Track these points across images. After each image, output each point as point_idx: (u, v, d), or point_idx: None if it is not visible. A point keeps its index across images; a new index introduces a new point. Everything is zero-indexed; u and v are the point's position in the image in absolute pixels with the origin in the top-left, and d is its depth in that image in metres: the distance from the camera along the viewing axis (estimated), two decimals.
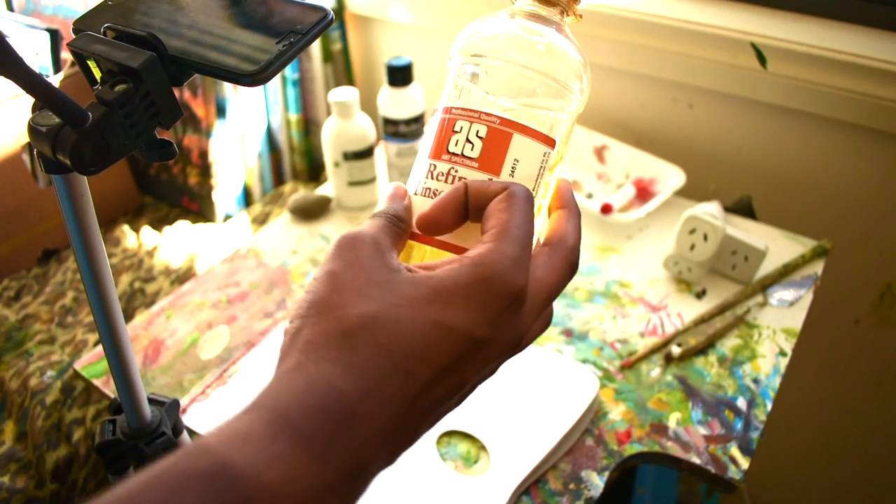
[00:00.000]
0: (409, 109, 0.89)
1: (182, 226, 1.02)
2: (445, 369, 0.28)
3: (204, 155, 1.00)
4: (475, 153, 0.34)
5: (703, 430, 0.65)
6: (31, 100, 0.33)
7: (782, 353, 0.73)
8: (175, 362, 0.74)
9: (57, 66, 0.85)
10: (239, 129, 1.02)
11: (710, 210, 0.81)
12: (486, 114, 0.34)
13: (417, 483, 0.59)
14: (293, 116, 1.08)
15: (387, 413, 0.26)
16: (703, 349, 0.73)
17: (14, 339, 0.84)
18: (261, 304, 0.81)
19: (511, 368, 0.69)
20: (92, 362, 0.74)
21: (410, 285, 0.29)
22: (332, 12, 0.35)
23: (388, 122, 0.90)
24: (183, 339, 0.77)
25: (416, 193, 0.36)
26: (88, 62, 0.36)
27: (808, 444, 1.15)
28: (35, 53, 0.84)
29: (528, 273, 0.30)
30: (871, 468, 1.11)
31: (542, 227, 0.35)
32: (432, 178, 0.35)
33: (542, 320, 0.33)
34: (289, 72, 1.04)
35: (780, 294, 0.80)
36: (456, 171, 0.34)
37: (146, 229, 1.01)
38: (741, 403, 0.68)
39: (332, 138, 0.91)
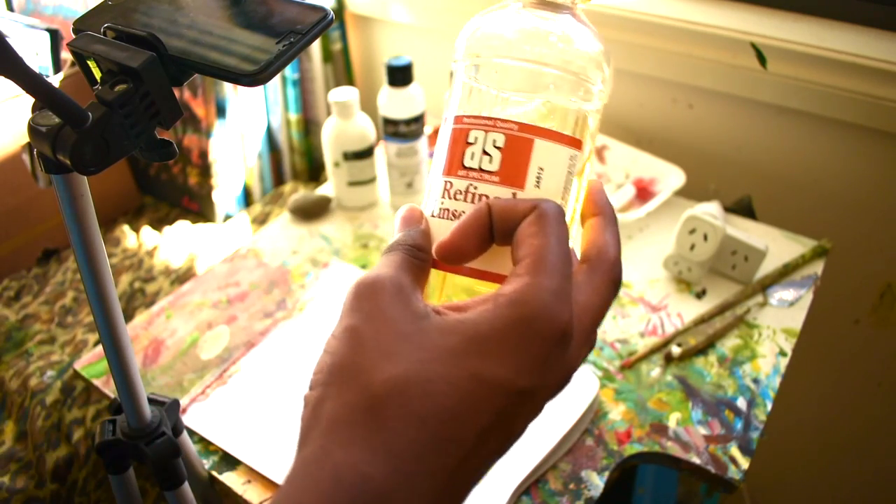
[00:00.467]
0: (409, 109, 0.89)
1: (182, 226, 1.02)
2: (489, 428, 0.25)
3: (204, 155, 1.00)
4: (494, 166, 0.31)
5: (703, 430, 0.65)
6: (31, 100, 0.33)
7: (782, 353, 0.73)
8: (175, 362, 0.74)
9: (57, 66, 0.85)
10: (239, 129, 1.02)
11: (710, 210, 0.81)
12: (502, 120, 0.31)
13: None
14: (293, 116, 1.08)
15: (424, 492, 0.24)
16: (703, 349, 0.73)
17: (14, 339, 0.84)
18: (261, 304, 0.81)
19: None
20: (92, 362, 0.74)
21: (441, 334, 0.25)
22: (332, 12, 0.35)
23: (388, 122, 0.90)
24: (183, 339, 0.77)
25: (432, 216, 0.33)
26: (88, 62, 0.36)
27: (808, 444, 1.15)
28: (35, 53, 0.84)
29: (572, 303, 0.27)
30: (871, 468, 1.11)
31: (576, 236, 0.32)
32: (449, 197, 0.32)
33: (588, 346, 0.29)
34: (289, 72, 1.04)
35: (780, 294, 0.80)
36: (475, 187, 0.31)
37: (146, 229, 1.01)
38: (741, 403, 0.68)
39: (332, 138, 0.91)
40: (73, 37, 0.36)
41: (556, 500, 0.60)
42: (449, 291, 0.33)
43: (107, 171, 0.35)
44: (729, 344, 0.74)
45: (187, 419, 0.67)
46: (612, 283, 0.29)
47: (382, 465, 0.23)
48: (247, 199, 1.07)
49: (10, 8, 1.04)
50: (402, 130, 0.90)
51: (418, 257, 0.30)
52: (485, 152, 0.31)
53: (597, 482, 0.61)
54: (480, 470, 0.26)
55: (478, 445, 0.25)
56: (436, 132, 1.03)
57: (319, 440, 0.25)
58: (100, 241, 0.42)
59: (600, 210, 0.32)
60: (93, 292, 0.44)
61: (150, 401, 0.53)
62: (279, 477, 0.61)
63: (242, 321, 0.79)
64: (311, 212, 0.95)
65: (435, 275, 0.32)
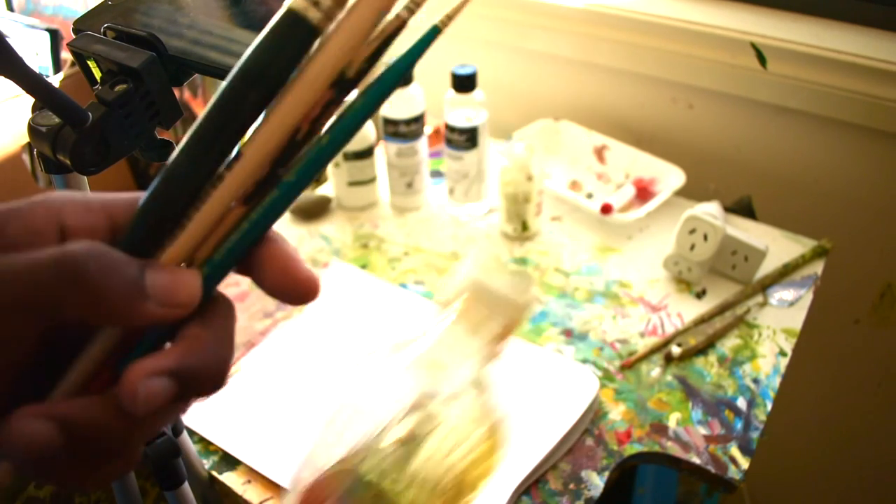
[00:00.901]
0: (409, 109, 0.89)
1: None
2: None
3: None
4: None
5: (703, 430, 0.65)
6: (31, 100, 0.33)
7: (782, 353, 0.73)
8: None
9: (57, 66, 0.85)
10: None
11: (710, 210, 0.81)
12: None
13: None
14: None
15: None
16: (703, 349, 0.73)
17: None
18: (261, 304, 0.81)
19: (511, 368, 0.69)
20: None
21: None
22: None
23: (388, 122, 0.90)
24: None
25: None
26: (88, 62, 0.36)
27: (808, 444, 1.15)
28: (35, 53, 0.84)
29: None
30: (871, 468, 1.11)
31: None
32: None
33: None
34: None
35: (780, 294, 0.80)
36: None
37: None
38: (741, 403, 0.68)
39: None
40: (73, 37, 0.36)
41: (556, 500, 0.60)
42: None
43: (107, 171, 0.35)
44: (729, 344, 0.74)
45: (187, 419, 0.67)
46: None
47: None
48: None
49: (10, 8, 1.04)
50: (402, 130, 0.90)
51: None
52: None
53: (597, 482, 0.61)
54: None
55: None
56: (436, 132, 1.03)
57: None
58: None
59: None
60: None
61: None
62: (279, 477, 0.61)
63: (242, 321, 0.79)
64: (311, 212, 0.95)
65: None
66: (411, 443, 0.32)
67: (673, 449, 0.64)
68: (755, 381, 0.70)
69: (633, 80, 0.97)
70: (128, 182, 1.07)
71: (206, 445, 0.65)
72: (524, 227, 0.88)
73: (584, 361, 0.72)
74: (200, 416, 0.67)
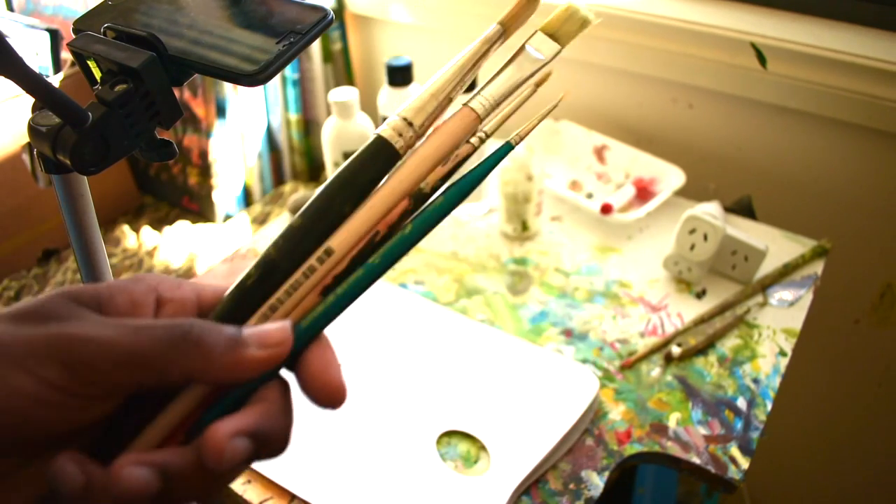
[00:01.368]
0: None
1: (182, 226, 1.02)
2: None
3: (204, 155, 1.00)
4: None
5: (703, 430, 0.65)
6: (31, 100, 0.33)
7: (782, 353, 0.73)
8: None
9: (57, 66, 0.85)
10: (239, 129, 1.02)
11: (710, 210, 0.81)
12: None
13: (417, 483, 0.59)
14: (293, 116, 1.08)
15: None
16: (703, 349, 0.73)
17: None
18: None
19: (511, 368, 0.69)
20: None
21: None
22: (332, 12, 0.35)
23: None
24: None
25: None
26: (88, 62, 0.36)
27: (808, 444, 1.15)
28: (35, 53, 0.84)
29: None
30: (872, 468, 1.11)
31: None
32: None
33: None
34: (289, 72, 1.04)
35: (780, 294, 0.80)
36: None
37: (146, 229, 1.01)
38: (741, 403, 0.68)
39: (332, 138, 0.91)
40: (73, 37, 0.36)
41: (556, 500, 0.60)
42: None
43: (107, 171, 0.35)
44: (729, 344, 0.74)
45: None
46: None
47: None
48: (247, 199, 1.07)
49: (10, 8, 1.04)
50: None
51: None
52: None
53: (597, 482, 0.61)
54: None
55: None
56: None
57: None
58: (100, 241, 0.42)
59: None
60: None
61: None
62: (279, 477, 0.61)
63: None
64: None
65: None
66: None
67: (673, 449, 0.64)
68: (755, 381, 0.70)
69: (632, 80, 0.97)
70: (128, 182, 1.07)
71: None
72: (524, 226, 0.88)
73: (584, 361, 0.72)
74: None
